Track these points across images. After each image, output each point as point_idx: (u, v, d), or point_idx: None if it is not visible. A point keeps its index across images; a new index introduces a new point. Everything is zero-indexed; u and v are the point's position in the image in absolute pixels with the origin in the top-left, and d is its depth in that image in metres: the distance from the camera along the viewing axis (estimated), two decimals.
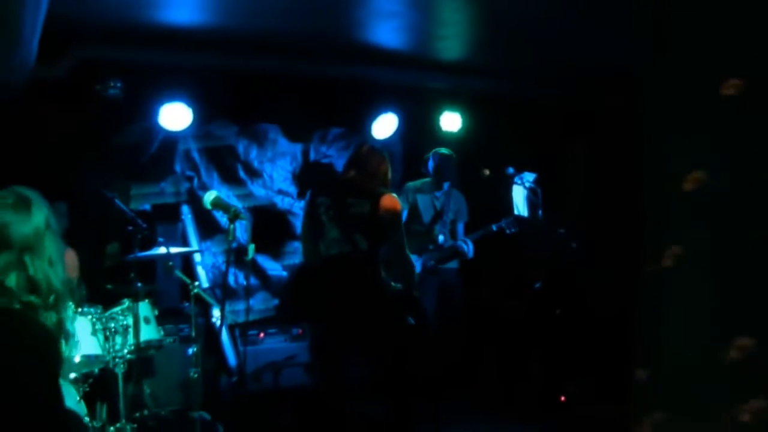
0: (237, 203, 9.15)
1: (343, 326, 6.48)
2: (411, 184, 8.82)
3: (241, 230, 8.83)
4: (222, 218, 9.39)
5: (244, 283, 9.39)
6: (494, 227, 8.64)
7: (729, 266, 4.43)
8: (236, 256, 8.97)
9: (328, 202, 6.55)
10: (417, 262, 8.27)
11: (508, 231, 8.63)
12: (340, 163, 9.65)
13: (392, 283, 6.66)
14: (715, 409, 4.40)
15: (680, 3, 4.69)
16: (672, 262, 4.53)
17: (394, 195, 6.60)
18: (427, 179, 8.78)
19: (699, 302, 4.51)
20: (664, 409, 4.56)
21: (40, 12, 5.82)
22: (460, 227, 8.85)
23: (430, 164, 8.77)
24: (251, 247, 6.28)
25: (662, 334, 4.64)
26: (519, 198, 8.95)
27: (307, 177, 9.95)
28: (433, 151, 8.79)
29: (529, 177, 8.69)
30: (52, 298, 3.51)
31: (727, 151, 4.45)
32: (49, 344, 3.53)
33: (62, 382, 6.18)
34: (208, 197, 5.99)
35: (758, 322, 4.34)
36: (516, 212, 8.79)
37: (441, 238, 8.62)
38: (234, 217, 5.80)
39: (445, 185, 8.71)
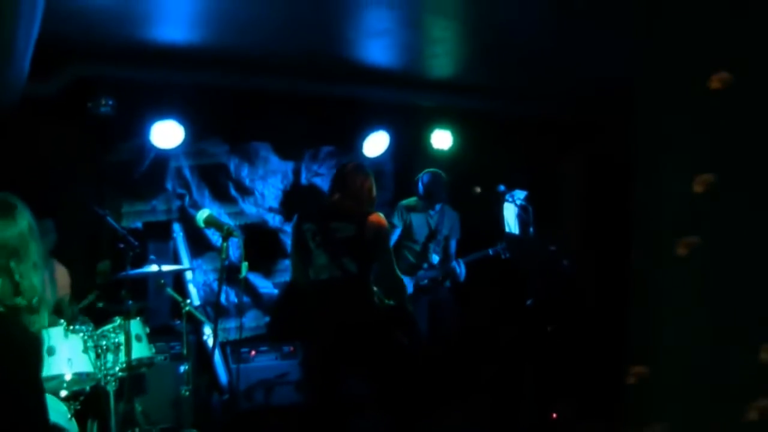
0: (229, 221, 9.12)
1: (337, 346, 6.47)
2: (404, 202, 8.85)
3: (234, 248, 8.79)
4: (213, 236, 9.35)
5: (236, 300, 9.38)
6: (491, 252, 8.69)
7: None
8: (228, 274, 8.93)
9: (314, 228, 6.54)
10: (409, 283, 8.29)
11: (503, 256, 8.66)
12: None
13: (385, 300, 6.65)
14: (721, 409, 4.42)
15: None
16: (671, 262, 4.57)
17: (380, 214, 6.58)
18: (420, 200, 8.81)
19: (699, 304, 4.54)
20: (666, 412, 4.58)
21: (33, 30, 5.83)
22: (453, 244, 8.89)
23: (420, 185, 8.79)
24: (244, 265, 6.18)
25: (662, 335, 4.68)
26: (510, 215, 8.97)
27: (295, 200, 9.92)
28: (424, 171, 8.81)
29: (520, 194, 8.71)
30: (35, 302, 3.53)
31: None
32: (33, 347, 3.57)
33: (54, 400, 6.21)
34: (201, 215, 5.97)
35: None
36: (507, 230, 8.80)
37: (435, 258, 8.65)
38: (227, 235, 5.78)
39: (437, 205, 8.74)
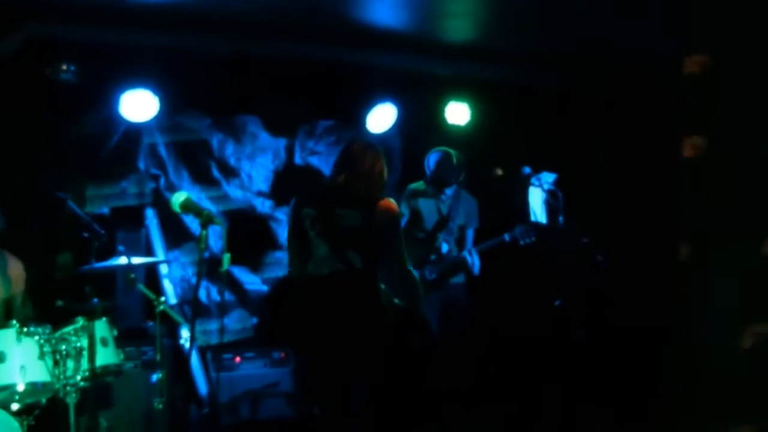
0: (210, 206, 9.11)
1: (340, 353, 6.40)
2: (412, 186, 8.76)
3: (215, 237, 8.74)
4: (193, 224, 9.36)
5: (218, 299, 9.35)
6: (507, 237, 8.60)
7: None
8: (209, 268, 8.92)
9: (314, 214, 6.46)
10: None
11: (522, 241, 8.57)
12: (329, 162, 9.56)
13: (395, 301, 6.57)
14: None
15: None
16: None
17: (392, 200, 6.50)
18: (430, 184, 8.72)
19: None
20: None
21: None
22: (470, 234, 8.81)
23: (427, 167, 8.70)
24: (226, 257, 6.22)
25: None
26: (536, 202, 8.94)
27: (288, 183, 9.87)
28: (432, 150, 8.72)
29: (548, 178, 8.67)
30: None
31: None
32: None
33: (3, 414, 6.13)
34: (177, 199, 5.99)
35: None
36: (533, 218, 8.76)
37: (445, 247, 8.56)
38: (207, 221, 5.78)
39: (449, 189, 8.63)
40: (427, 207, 8.69)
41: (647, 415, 7.85)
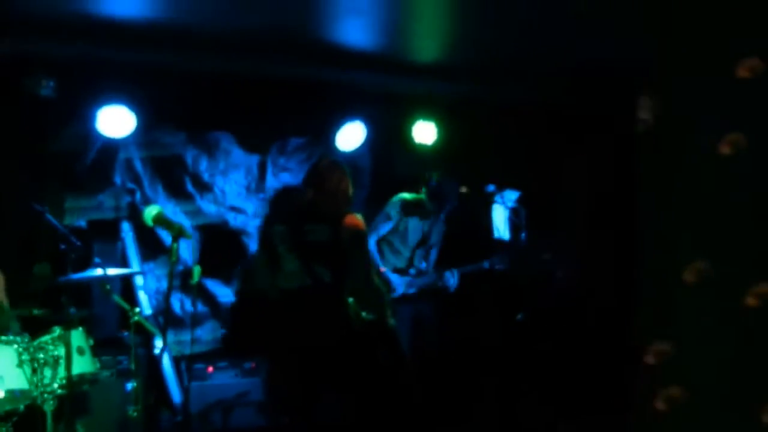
0: (184, 220, 9.15)
1: (309, 364, 6.40)
2: (408, 198, 8.64)
3: (188, 250, 8.64)
4: (168, 237, 9.23)
5: (192, 310, 9.26)
6: (486, 265, 8.60)
7: None
8: (182, 280, 8.85)
9: (284, 230, 6.49)
10: (401, 283, 8.17)
11: (497, 267, 8.59)
12: (300, 178, 9.54)
13: (363, 314, 6.55)
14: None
15: None
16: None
17: (359, 216, 6.51)
18: (422, 196, 8.60)
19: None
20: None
21: None
22: (434, 252, 8.75)
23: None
24: (197, 270, 6.44)
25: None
26: (500, 219, 8.91)
27: (259, 198, 9.87)
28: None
29: (512, 195, 8.69)
30: None
31: None
32: None
33: None
34: (150, 212, 6.19)
35: None
36: (496, 234, 8.74)
37: (424, 264, 8.53)
38: (178, 235, 5.99)
39: (443, 212, 8.63)
40: (414, 224, 8.64)
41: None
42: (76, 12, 7.23)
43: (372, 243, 7.91)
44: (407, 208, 8.61)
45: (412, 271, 8.52)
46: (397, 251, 8.48)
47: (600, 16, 7.43)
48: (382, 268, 8.11)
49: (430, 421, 8.38)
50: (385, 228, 8.27)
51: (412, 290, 8.47)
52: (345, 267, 6.48)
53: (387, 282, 8.02)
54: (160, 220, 6.14)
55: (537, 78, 9.23)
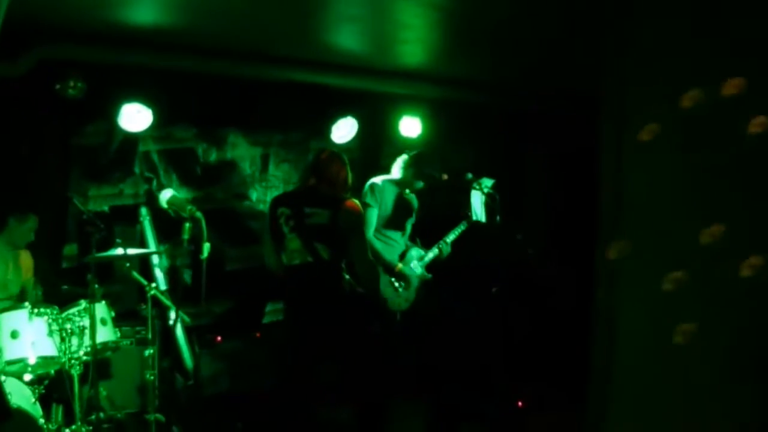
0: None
1: (308, 334, 6.48)
2: (372, 180, 8.30)
3: (199, 230, 8.73)
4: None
5: (201, 284, 9.33)
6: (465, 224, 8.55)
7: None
8: (193, 257, 8.90)
9: (288, 213, 6.56)
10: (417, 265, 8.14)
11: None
12: (299, 168, 9.62)
13: (356, 288, 6.65)
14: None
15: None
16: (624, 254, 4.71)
17: (356, 200, 6.60)
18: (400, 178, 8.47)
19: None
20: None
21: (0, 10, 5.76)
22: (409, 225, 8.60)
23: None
24: (206, 247, 6.37)
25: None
26: (477, 203, 8.95)
27: (263, 186, 9.91)
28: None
29: (488, 182, 8.68)
30: None
31: None
32: None
33: (18, 383, 6.17)
34: (164, 196, 6.07)
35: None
36: (474, 217, 8.79)
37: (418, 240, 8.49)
38: (189, 216, 5.87)
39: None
40: (392, 199, 8.27)
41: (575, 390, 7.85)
42: (102, 20, 7.21)
43: (370, 236, 7.84)
44: (376, 187, 8.17)
45: (416, 251, 8.38)
46: (390, 239, 8.22)
47: (565, 33, 7.57)
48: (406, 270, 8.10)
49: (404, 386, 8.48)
50: (373, 216, 8.03)
51: (420, 271, 8.35)
52: (343, 246, 6.55)
53: (403, 275, 7.94)
54: (174, 202, 6.17)
55: (508, 85, 9.34)
